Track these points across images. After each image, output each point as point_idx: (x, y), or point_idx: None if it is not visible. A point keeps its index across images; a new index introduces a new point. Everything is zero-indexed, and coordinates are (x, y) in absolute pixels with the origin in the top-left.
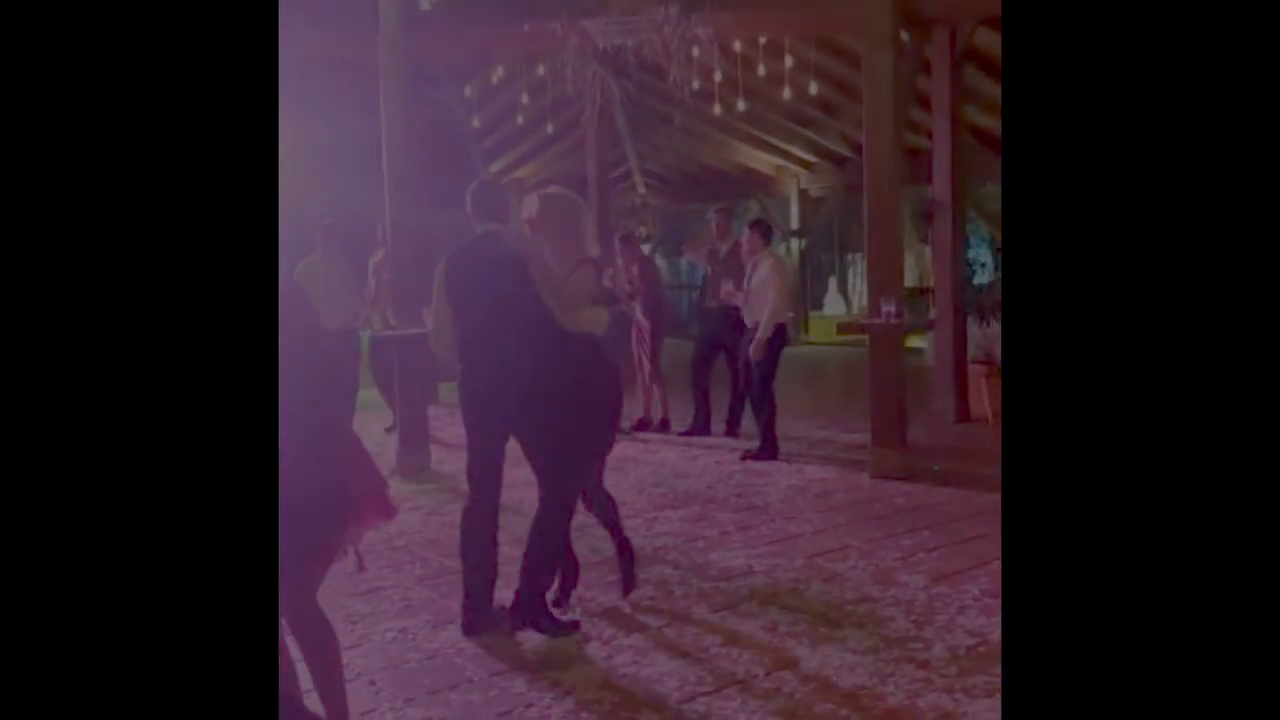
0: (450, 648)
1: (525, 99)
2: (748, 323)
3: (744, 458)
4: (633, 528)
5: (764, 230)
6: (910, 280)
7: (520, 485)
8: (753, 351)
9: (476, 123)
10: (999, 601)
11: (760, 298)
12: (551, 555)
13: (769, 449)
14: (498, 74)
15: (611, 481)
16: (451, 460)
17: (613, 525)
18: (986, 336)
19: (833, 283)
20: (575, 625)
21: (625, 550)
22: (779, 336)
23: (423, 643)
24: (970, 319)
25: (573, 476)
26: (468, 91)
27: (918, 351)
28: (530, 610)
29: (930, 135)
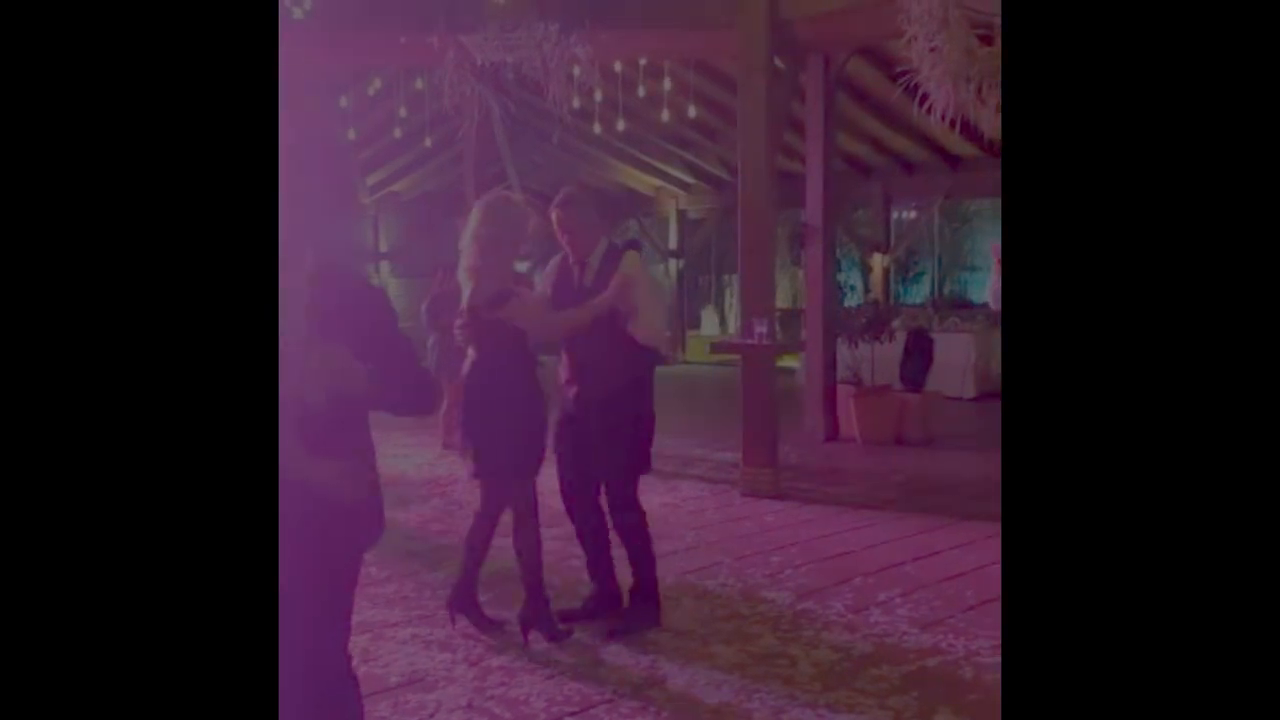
0: None
1: (403, 112)
2: None
3: None
4: (505, 546)
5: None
6: (783, 302)
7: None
8: None
9: (353, 134)
10: (862, 616)
11: None
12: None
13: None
14: (375, 86)
15: None
16: None
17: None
18: (855, 358)
19: (709, 303)
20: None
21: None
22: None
23: None
24: (840, 340)
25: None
26: (343, 102)
27: (789, 371)
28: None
29: (804, 160)
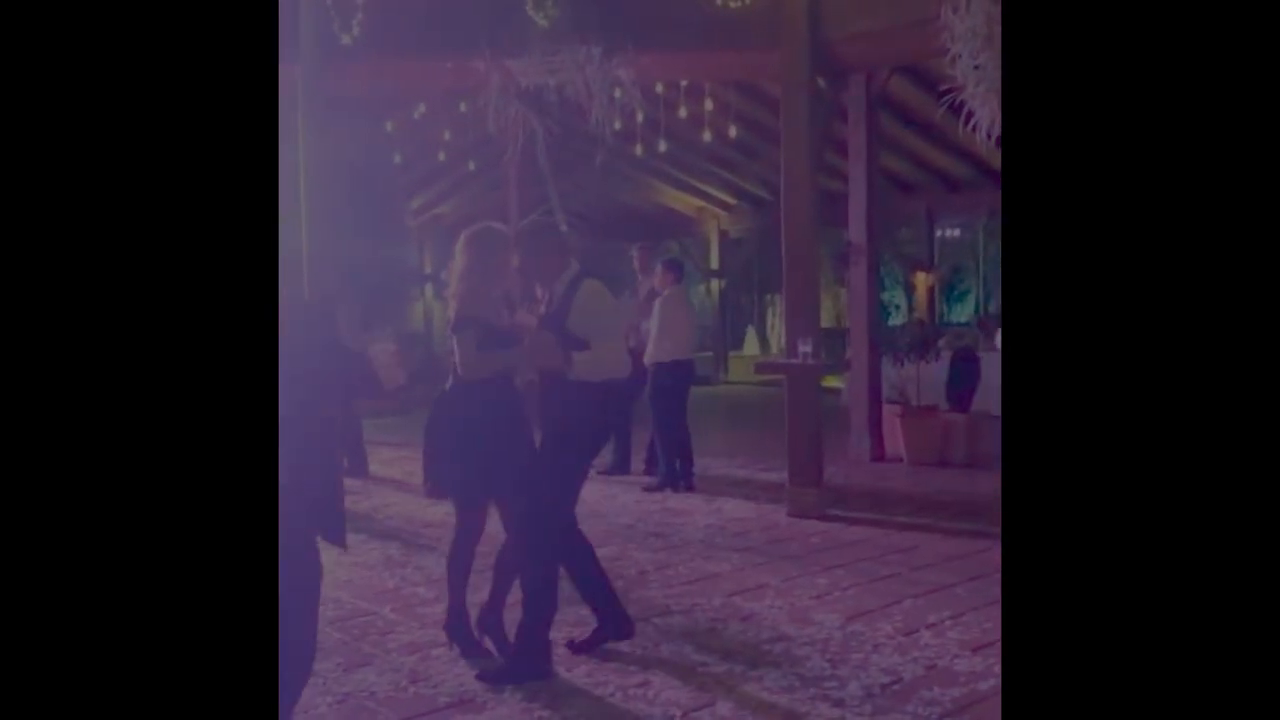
0: (362, 691)
1: (447, 135)
2: (646, 362)
3: (646, 489)
4: None
5: (671, 268)
6: (826, 321)
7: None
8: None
9: (398, 158)
10: (912, 639)
11: (656, 334)
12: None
13: (668, 479)
14: (419, 110)
15: None
16: (364, 500)
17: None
18: (901, 377)
19: (751, 323)
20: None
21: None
22: (677, 371)
23: (334, 686)
24: (885, 360)
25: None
26: (389, 126)
27: (835, 392)
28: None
29: (846, 179)
